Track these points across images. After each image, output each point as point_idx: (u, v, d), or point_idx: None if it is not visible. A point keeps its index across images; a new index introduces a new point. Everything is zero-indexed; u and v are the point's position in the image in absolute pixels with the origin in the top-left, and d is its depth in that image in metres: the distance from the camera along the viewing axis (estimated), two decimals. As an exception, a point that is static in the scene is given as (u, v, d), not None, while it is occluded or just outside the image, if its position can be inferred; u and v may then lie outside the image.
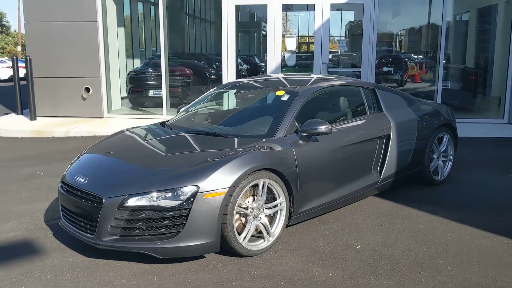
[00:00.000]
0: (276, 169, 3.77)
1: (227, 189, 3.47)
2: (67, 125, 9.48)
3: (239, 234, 3.64)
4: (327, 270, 3.50)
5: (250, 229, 3.70)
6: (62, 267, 3.60)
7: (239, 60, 14.91)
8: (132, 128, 4.92)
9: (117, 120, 10.04)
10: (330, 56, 10.97)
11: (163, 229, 3.43)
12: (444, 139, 5.58)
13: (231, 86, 5.30)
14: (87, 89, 10.27)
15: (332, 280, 3.35)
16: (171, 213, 3.40)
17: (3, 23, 54.67)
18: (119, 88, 11.11)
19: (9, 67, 23.96)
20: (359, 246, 3.92)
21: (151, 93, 11.17)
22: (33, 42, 10.33)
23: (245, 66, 13.99)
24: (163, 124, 4.85)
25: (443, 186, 5.57)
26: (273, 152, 3.83)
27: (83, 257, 3.75)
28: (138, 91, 11.44)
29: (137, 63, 13.12)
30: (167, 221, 3.42)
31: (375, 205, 4.92)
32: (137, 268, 3.56)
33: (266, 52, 9.99)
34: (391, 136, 4.86)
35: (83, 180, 3.73)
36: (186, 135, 4.31)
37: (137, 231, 3.45)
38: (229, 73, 10.07)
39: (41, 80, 10.31)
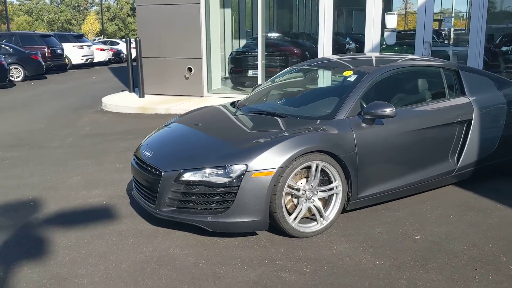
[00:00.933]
0: (331, 151, 3.70)
1: (276, 169, 3.50)
2: (169, 102, 10.10)
3: (290, 214, 3.67)
4: (375, 258, 3.40)
5: (301, 210, 3.70)
6: (128, 232, 3.94)
7: (347, 39, 14.55)
8: (205, 107, 5.13)
9: (215, 99, 10.45)
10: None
11: (214, 204, 3.58)
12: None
13: (306, 65, 5.26)
14: (189, 69, 10.80)
15: (377, 269, 3.25)
16: (221, 189, 3.53)
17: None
18: (219, 68, 11.52)
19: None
20: (418, 237, 3.73)
21: (250, 73, 11.43)
22: (143, 24, 11.09)
23: (353, 45, 13.62)
24: (233, 103, 4.98)
25: (538, 178, 5.03)
26: (328, 134, 3.76)
27: (149, 225, 4.05)
28: (238, 71, 11.76)
29: (242, 43, 13.46)
30: (217, 197, 3.56)
31: (451, 195, 4.62)
32: (192, 239, 3.77)
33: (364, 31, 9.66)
34: (473, 122, 4.49)
35: (149, 154, 4.01)
36: (247, 115, 4.40)
37: (191, 204, 3.64)
38: (325, 52, 9.93)
39: (149, 60, 11.06)
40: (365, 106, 4.04)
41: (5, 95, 13.55)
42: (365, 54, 5.80)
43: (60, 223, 4.16)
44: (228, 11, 12.56)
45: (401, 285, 3.04)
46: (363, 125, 3.96)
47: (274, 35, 13.70)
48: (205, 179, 3.56)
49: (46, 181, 5.38)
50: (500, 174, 5.09)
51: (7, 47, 17.73)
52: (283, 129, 3.90)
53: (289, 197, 3.71)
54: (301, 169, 3.67)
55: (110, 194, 4.87)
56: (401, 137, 4.10)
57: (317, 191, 3.77)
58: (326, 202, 3.87)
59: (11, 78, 17.00)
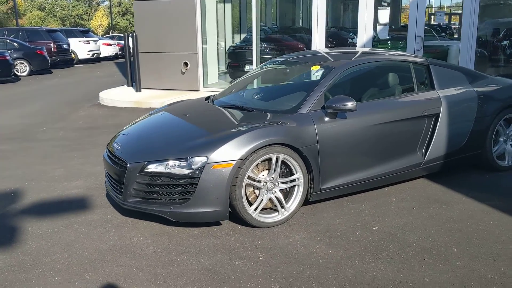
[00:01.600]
0: (291, 144, 3.80)
1: (235, 161, 3.61)
2: (164, 97, 10.24)
3: (251, 205, 3.77)
4: (329, 248, 3.50)
5: (262, 201, 3.81)
6: (98, 222, 4.08)
7: (350, 33, 14.51)
8: (182, 100, 5.24)
9: (211, 93, 10.54)
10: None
11: (177, 195, 3.69)
12: (515, 120, 5.05)
13: (279, 61, 5.33)
14: (186, 64, 10.93)
15: (328, 258, 3.35)
16: (183, 180, 3.65)
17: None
18: (216, 63, 11.62)
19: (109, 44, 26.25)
20: (376, 228, 3.82)
21: (247, 67, 11.51)
22: (140, 20, 11.24)
23: (349, 40, 13.57)
24: (208, 97, 5.09)
25: (510, 172, 5.07)
26: (288, 128, 3.85)
27: (119, 216, 4.19)
28: (235, 66, 11.86)
29: (240, 38, 13.52)
30: (180, 188, 3.67)
31: (420, 188, 4.69)
32: (158, 229, 3.89)
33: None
34: (440, 116, 4.55)
35: (118, 147, 4.14)
36: (217, 108, 4.51)
37: (155, 195, 3.76)
38: (318, 46, 9.98)
39: (146, 55, 11.21)
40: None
41: (9, 90, 13.81)
42: (345, 48, 5.85)
43: (36, 213, 4.31)
44: (228, 6, 12.64)
45: (348, 274, 3.13)
46: (326, 118, 4.04)
47: (271, 28, 13.77)
48: (167, 170, 3.68)
49: (30, 173, 5.54)
50: (472, 167, 5.14)
51: (13, 42, 18.02)
52: (246, 122, 3.99)
53: (251, 188, 3.82)
54: (262, 161, 3.77)
55: (88, 186, 5.02)
56: (364, 130, 4.18)
57: (278, 183, 3.87)
58: (288, 193, 3.97)
59: (16, 72, 17.29)
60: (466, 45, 9.01)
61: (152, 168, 3.72)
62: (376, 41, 9.82)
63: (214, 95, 5.22)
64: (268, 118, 4.03)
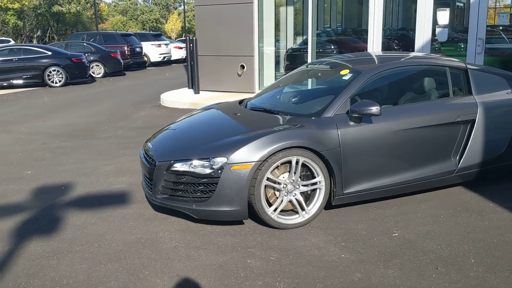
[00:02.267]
0: (311, 148, 3.85)
1: (254, 163, 3.72)
2: (219, 99, 10.52)
3: (271, 206, 3.87)
4: (343, 252, 3.52)
5: (281, 202, 3.89)
6: (131, 216, 4.35)
7: (410, 34, 14.12)
8: (220, 103, 5.43)
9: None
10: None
11: (199, 193, 3.87)
12: (562, 127, 4.75)
13: (319, 63, 5.36)
14: (242, 66, 11.17)
15: (339, 261, 3.37)
16: (205, 179, 3.82)
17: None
18: (273, 66, 11.76)
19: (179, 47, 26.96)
20: (396, 234, 3.78)
21: (304, 70, 11.54)
22: (201, 24, 11.64)
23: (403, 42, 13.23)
24: (242, 100, 5.24)
25: (558, 183, 4.78)
26: (309, 131, 3.90)
27: (151, 211, 4.44)
28: (293, 68, 11.91)
29: (299, 41, 13.58)
30: (202, 187, 3.85)
31: (454, 196, 4.55)
32: (183, 225, 4.10)
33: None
34: (476, 122, 4.39)
35: (151, 146, 4.40)
36: (246, 111, 4.64)
37: (180, 192, 3.96)
38: (374, 48, 9.83)
39: (205, 58, 11.58)
40: None
41: (84, 90, 14.78)
42: (396, 52, 5.75)
43: (79, 205, 4.67)
44: (287, 9, 12.75)
45: (355, 278, 3.15)
46: (351, 123, 4.05)
47: (335, 31, 13.70)
48: (191, 169, 3.87)
49: (83, 168, 5.98)
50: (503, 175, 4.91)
51: (90, 46, 19.23)
52: (268, 125, 4.09)
53: (272, 190, 3.91)
54: (283, 164, 3.86)
55: (131, 182, 5.34)
56: (391, 135, 4.13)
57: (299, 185, 3.93)
58: (310, 196, 4.02)
59: (92, 74, 18.47)
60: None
61: (178, 167, 3.93)
62: (435, 44, 9.50)
63: (251, 97, 5.36)
64: (291, 121, 4.11)
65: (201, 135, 4.31)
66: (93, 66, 18.66)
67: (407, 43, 10.71)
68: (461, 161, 4.42)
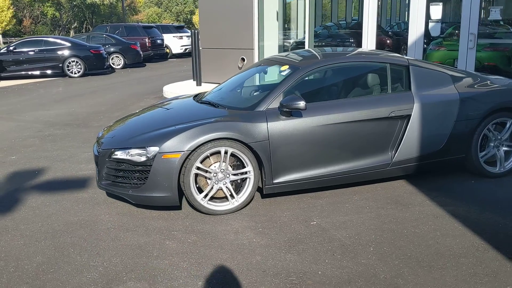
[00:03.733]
0: (240, 139, 4.09)
1: (183, 152, 4.00)
2: (217, 91, 10.82)
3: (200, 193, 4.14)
4: (256, 237, 3.75)
5: (210, 190, 4.15)
6: (83, 200, 4.71)
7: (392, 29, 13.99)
8: (181, 96, 5.71)
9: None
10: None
11: (135, 180, 4.17)
12: (508, 125, 4.80)
13: (270, 59, 5.53)
14: (243, 59, 11.40)
15: (248, 245, 3.61)
16: (140, 167, 4.12)
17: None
18: (274, 59, 11.92)
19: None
20: (314, 222, 3.98)
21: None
22: (204, 17, 11.94)
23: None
24: (198, 94, 5.49)
25: (500, 179, 4.84)
26: (238, 124, 4.13)
27: (104, 196, 4.78)
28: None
29: (300, 34, 13.68)
30: (138, 174, 4.15)
31: (390, 188, 4.69)
32: (126, 210, 4.42)
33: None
34: (412, 117, 4.51)
35: (100, 136, 4.72)
36: (195, 104, 4.90)
37: (120, 179, 4.27)
38: (368, 45, 9.87)
39: (208, 51, 11.88)
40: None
41: (99, 81, 15.34)
42: (338, 48, 5.84)
43: (42, 189, 5.06)
44: (291, 3, 12.88)
45: (253, 260, 3.39)
46: (282, 117, 4.25)
47: (337, 25, 13.74)
48: (129, 157, 4.17)
49: (63, 155, 6.39)
50: (464, 172, 4.99)
51: (111, 38, 19.85)
52: (204, 117, 4.34)
53: (205, 178, 4.18)
54: (212, 154, 4.12)
55: (99, 169, 5.70)
56: (321, 129, 4.31)
57: (229, 175, 4.18)
58: (241, 185, 4.26)
59: (112, 65, 19.10)
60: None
61: (118, 154, 4.23)
62: (428, 39, 9.46)
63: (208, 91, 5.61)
64: (225, 114, 4.35)
65: (143, 126, 4.60)
66: (113, 58, 19.28)
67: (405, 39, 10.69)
68: (396, 155, 4.55)
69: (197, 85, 11.82)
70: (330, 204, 4.36)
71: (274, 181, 4.29)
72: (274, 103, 4.33)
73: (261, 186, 4.34)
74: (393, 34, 13.02)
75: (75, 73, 16.40)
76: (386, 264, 3.26)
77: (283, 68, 4.70)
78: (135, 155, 4.14)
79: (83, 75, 16.50)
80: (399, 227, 3.85)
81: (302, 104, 4.12)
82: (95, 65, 16.86)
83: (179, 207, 4.37)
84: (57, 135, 7.63)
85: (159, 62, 22.38)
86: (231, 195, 4.21)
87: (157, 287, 3.10)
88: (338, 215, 4.11)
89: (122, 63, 19.47)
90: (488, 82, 5.01)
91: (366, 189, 4.68)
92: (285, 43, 12.64)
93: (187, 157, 4.03)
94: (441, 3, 9.25)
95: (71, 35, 37.94)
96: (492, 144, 4.82)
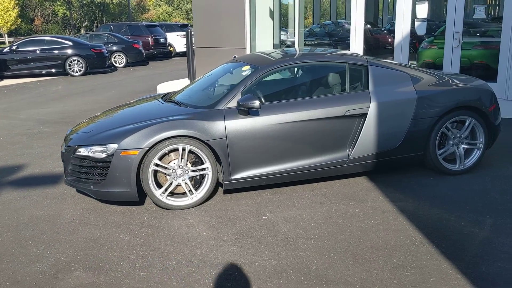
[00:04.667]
0: (197, 137, 4.24)
1: (140, 149, 4.16)
2: (208, 89, 10.98)
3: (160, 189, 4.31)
4: (207, 231, 3.90)
5: (169, 186, 4.31)
6: (53, 195, 4.90)
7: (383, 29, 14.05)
8: (150, 95, 5.88)
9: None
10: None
11: (96, 176, 4.35)
12: (467, 123, 4.88)
13: (237, 59, 5.67)
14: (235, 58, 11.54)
15: (197, 238, 3.76)
16: (101, 163, 4.29)
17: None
18: (266, 57, 12.05)
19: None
20: (266, 217, 4.12)
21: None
22: (197, 15, 12.10)
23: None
24: (166, 94, 5.64)
25: (459, 177, 4.93)
26: (195, 122, 4.29)
27: (73, 191, 4.97)
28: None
29: (290, 34, 13.79)
30: (99, 170, 4.33)
31: (348, 185, 4.81)
32: (89, 204, 4.60)
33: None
34: (368, 115, 4.62)
35: (68, 133, 4.91)
36: (158, 102, 5.06)
37: (83, 175, 4.45)
38: (356, 44, 9.96)
39: (201, 50, 12.05)
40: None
41: (100, 79, 15.60)
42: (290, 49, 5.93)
43: (17, 184, 5.26)
44: (283, 2, 12.99)
45: (198, 252, 3.54)
46: (239, 115, 4.40)
47: (335, 24, 13.81)
48: (91, 154, 4.34)
49: (45, 152, 6.60)
50: (426, 169, 5.09)
51: (113, 37, 20.12)
52: (164, 115, 4.49)
53: (164, 175, 4.34)
54: (170, 151, 4.28)
55: (76, 165, 5.89)
56: (277, 127, 4.44)
57: (188, 171, 4.34)
58: (200, 181, 4.42)
59: (115, 64, 19.39)
60: (506, 42, 8.41)
61: (82, 151, 4.41)
62: (414, 37, 9.53)
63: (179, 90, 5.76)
64: (185, 112, 4.50)
65: (107, 124, 4.76)
66: (115, 56, 19.56)
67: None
68: (352, 152, 4.67)
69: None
70: (286, 200, 4.49)
71: (232, 177, 4.43)
72: (233, 102, 4.48)
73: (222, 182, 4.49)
74: (388, 32, 13.09)
75: (77, 72, 16.68)
76: (321, 257, 3.39)
77: (245, 68, 4.84)
78: (97, 152, 4.31)
79: (85, 73, 16.77)
80: (345, 221, 3.97)
81: (257, 103, 4.26)
82: (97, 63, 17.13)
83: (141, 202, 4.54)
84: (45, 132, 7.85)
85: (162, 61, 22.62)
86: (190, 191, 4.37)
87: (101, 277, 3.27)
88: (290, 210, 4.25)
89: (124, 61, 19.73)
90: (451, 81, 5.09)
91: (324, 185, 4.80)
92: (281, 42, 12.77)
93: (145, 154, 4.19)
94: (426, 2, 9.31)
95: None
96: (451, 142, 4.91)
